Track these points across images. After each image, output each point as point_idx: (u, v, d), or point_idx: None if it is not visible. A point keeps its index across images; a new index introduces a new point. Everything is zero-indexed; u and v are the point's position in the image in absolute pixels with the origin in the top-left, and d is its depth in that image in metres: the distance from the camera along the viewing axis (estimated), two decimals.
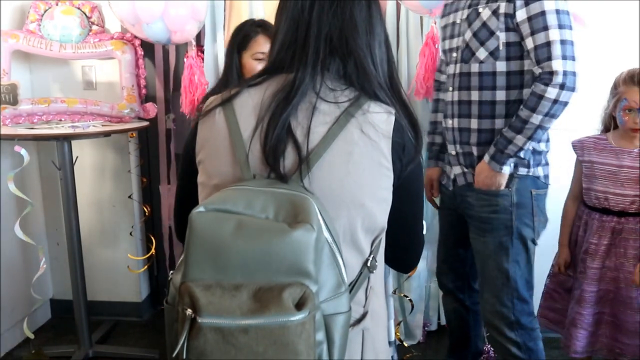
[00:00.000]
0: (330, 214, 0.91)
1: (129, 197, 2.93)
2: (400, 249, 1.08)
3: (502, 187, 1.82)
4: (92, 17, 2.67)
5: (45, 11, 2.62)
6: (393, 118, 0.96)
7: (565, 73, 1.65)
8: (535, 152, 1.84)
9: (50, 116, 2.62)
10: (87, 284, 2.58)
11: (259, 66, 1.86)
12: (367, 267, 0.96)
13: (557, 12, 1.65)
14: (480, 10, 1.76)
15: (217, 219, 0.83)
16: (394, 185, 0.97)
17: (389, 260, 1.09)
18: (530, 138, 1.72)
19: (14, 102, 2.43)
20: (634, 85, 1.91)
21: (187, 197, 1.07)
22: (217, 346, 0.79)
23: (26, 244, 2.50)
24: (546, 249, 2.13)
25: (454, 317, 2.25)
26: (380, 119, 0.94)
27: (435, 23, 2.35)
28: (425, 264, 2.71)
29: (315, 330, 0.82)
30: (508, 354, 1.94)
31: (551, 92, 1.66)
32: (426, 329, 2.79)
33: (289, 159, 0.92)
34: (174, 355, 0.80)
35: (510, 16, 1.71)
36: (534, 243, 1.91)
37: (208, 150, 0.98)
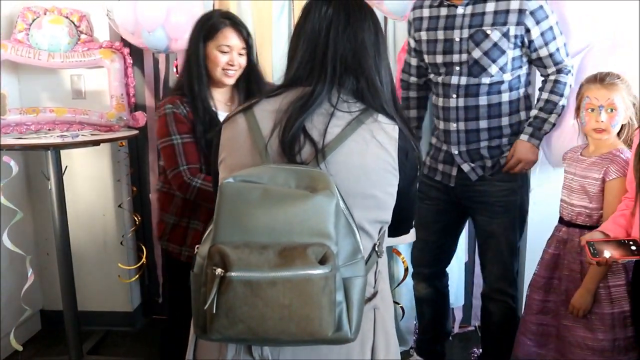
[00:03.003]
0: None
1: (119, 206, 2.91)
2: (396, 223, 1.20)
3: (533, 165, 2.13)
4: (81, 26, 2.66)
5: (34, 20, 2.61)
6: (398, 128, 1.10)
7: (572, 66, 2.12)
8: None
9: (39, 126, 2.61)
10: (77, 294, 2.56)
11: (224, 58, 1.85)
12: (375, 252, 1.09)
13: (557, 23, 2.06)
14: (489, 32, 2.02)
15: (244, 187, 0.93)
16: (398, 185, 1.10)
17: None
18: (559, 115, 2.10)
19: (2, 112, 2.42)
20: (595, 83, 1.88)
21: None
22: (245, 300, 0.87)
23: (15, 254, 2.48)
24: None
25: (425, 301, 2.46)
26: (387, 127, 1.08)
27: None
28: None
29: (335, 289, 0.90)
30: (506, 307, 2.25)
31: (570, 79, 2.11)
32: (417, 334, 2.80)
33: (305, 152, 1.04)
34: (205, 307, 0.88)
35: (521, 37, 2.03)
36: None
37: (229, 148, 1.10)
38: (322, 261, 0.89)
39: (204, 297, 0.91)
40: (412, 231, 2.08)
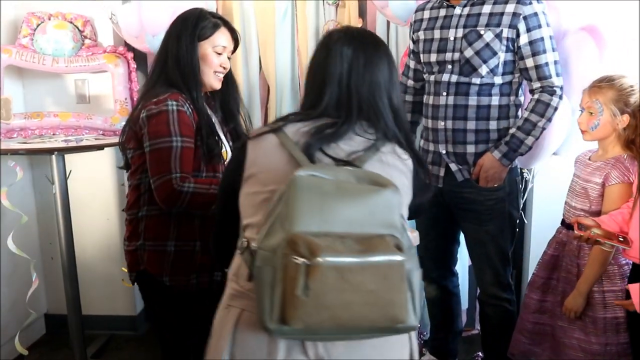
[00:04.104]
0: None
1: (123, 210, 2.90)
2: None
3: (502, 181, 2.11)
4: (85, 31, 2.68)
5: (38, 25, 2.62)
6: (410, 156, 1.21)
7: (561, 87, 2.05)
8: None
9: (43, 130, 2.61)
10: (81, 298, 2.57)
11: (218, 60, 1.72)
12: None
13: (550, 37, 2.03)
14: (482, 32, 2.03)
15: (318, 180, 0.98)
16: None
17: None
18: (537, 138, 2.06)
19: (7, 117, 2.43)
20: (588, 88, 1.93)
21: (229, 216, 1.21)
22: (334, 285, 0.89)
23: (19, 258, 2.49)
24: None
25: (436, 302, 2.48)
26: (403, 155, 1.19)
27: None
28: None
29: (405, 276, 0.95)
30: (503, 311, 2.27)
31: (555, 101, 2.04)
32: (422, 337, 2.80)
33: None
34: (296, 294, 0.89)
35: (512, 40, 2.02)
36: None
37: (261, 165, 1.14)
38: (399, 248, 0.94)
39: (282, 286, 0.92)
40: (416, 235, 2.10)
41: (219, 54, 1.73)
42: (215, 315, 1.16)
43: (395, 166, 1.15)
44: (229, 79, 1.81)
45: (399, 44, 2.67)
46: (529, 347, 2.09)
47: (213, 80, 1.74)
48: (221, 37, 1.74)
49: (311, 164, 1.08)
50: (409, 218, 1.22)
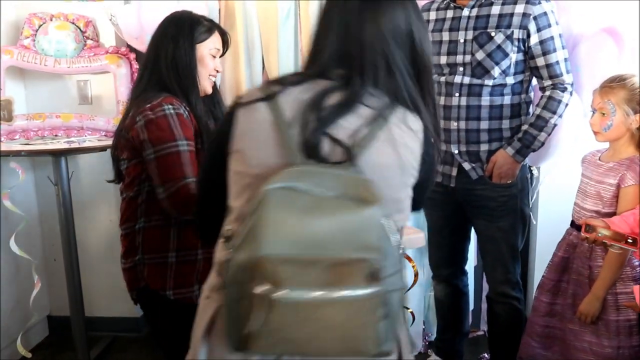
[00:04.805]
0: None
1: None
2: None
3: (515, 177, 2.13)
4: (87, 32, 2.67)
5: (40, 26, 2.61)
6: (423, 125, 1.04)
7: (571, 84, 2.09)
8: None
9: (45, 132, 2.60)
10: (84, 300, 2.56)
11: (213, 63, 1.69)
12: (399, 251, 0.98)
13: (560, 35, 2.05)
14: (493, 34, 2.04)
15: (290, 195, 0.87)
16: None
17: None
18: (549, 134, 2.09)
19: (9, 118, 2.42)
20: (599, 89, 1.91)
21: (213, 188, 1.08)
22: (294, 320, 0.84)
23: (22, 260, 2.48)
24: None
25: (446, 301, 2.49)
26: (413, 125, 1.02)
27: None
28: (423, 274, 2.70)
29: (382, 304, 0.87)
30: (512, 309, 2.27)
31: (566, 98, 2.08)
32: (427, 338, 2.78)
33: (336, 153, 0.97)
34: (248, 329, 0.84)
35: (523, 40, 2.03)
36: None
37: (249, 140, 1.00)
38: (372, 278, 0.85)
39: (244, 311, 0.86)
40: (422, 236, 2.09)
41: (214, 56, 1.70)
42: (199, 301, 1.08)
43: (403, 143, 1.00)
44: (214, 85, 1.77)
45: None
46: (539, 351, 2.07)
47: (207, 83, 1.71)
48: (216, 40, 1.71)
49: (301, 160, 0.95)
50: (413, 208, 1.10)
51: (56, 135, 2.60)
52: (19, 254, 2.32)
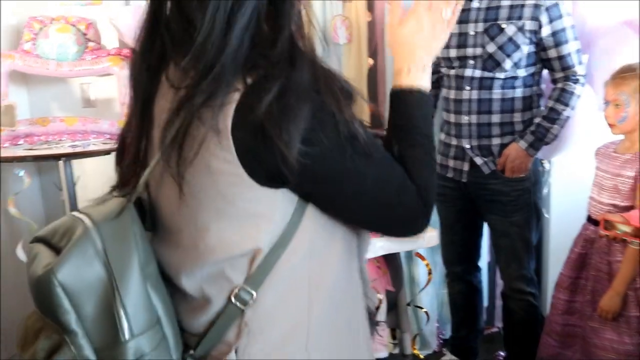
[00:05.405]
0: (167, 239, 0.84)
1: None
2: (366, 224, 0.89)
3: (528, 171, 2.10)
4: (88, 34, 2.63)
5: (40, 30, 2.58)
6: (234, 105, 0.74)
7: (584, 76, 2.06)
8: None
9: (49, 136, 2.58)
10: None
11: None
12: (231, 301, 0.79)
13: (572, 27, 2.02)
14: (504, 26, 2.01)
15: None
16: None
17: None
18: (562, 127, 2.06)
19: (11, 123, 2.39)
20: (610, 78, 1.88)
21: None
22: None
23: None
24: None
25: (460, 298, 2.47)
26: (225, 109, 0.74)
27: None
28: (436, 272, 2.66)
29: None
30: (528, 305, 2.25)
31: (579, 90, 2.05)
32: (441, 337, 2.75)
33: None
34: None
35: (534, 32, 2.00)
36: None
37: None
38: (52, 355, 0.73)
39: None
40: (434, 234, 2.04)
41: None
42: None
43: (212, 140, 0.73)
44: None
45: None
46: (559, 350, 2.03)
47: None
48: None
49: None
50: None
51: (60, 140, 2.57)
52: (26, 261, 2.29)
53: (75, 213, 0.81)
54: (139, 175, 0.84)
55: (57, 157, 2.30)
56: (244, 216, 0.78)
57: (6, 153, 2.26)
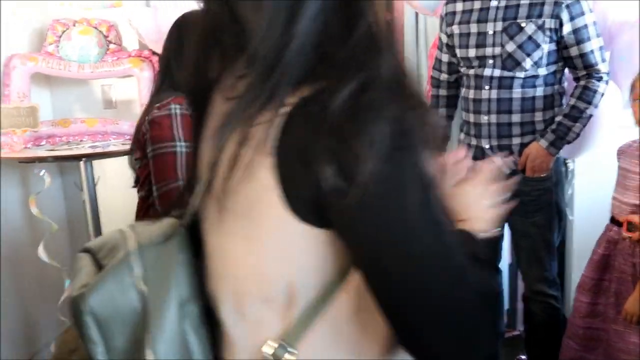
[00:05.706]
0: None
1: None
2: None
3: (549, 171, 2.06)
4: (110, 36, 2.66)
5: (63, 32, 2.62)
6: (280, 121, 0.62)
7: (607, 73, 2.01)
8: None
9: (70, 137, 2.61)
10: None
11: None
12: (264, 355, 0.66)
13: (594, 23, 1.97)
14: (523, 24, 1.96)
15: None
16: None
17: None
18: (584, 125, 2.00)
19: (34, 124, 2.42)
20: (639, 79, 1.83)
21: None
22: None
23: (51, 267, 2.48)
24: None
25: None
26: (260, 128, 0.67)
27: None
28: None
29: None
30: (550, 308, 2.19)
31: (602, 88, 2.00)
32: None
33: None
34: None
35: (555, 30, 1.96)
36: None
37: None
38: None
39: None
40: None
41: None
42: None
43: (252, 159, 0.62)
44: None
45: (428, 35, 2.61)
46: (581, 354, 1.99)
47: None
48: None
49: None
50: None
51: (81, 141, 2.61)
52: (48, 261, 2.32)
53: (126, 229, 0.73)
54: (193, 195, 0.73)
55: (77, 158, 2.33)
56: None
57: (28, 154, 2.29)
